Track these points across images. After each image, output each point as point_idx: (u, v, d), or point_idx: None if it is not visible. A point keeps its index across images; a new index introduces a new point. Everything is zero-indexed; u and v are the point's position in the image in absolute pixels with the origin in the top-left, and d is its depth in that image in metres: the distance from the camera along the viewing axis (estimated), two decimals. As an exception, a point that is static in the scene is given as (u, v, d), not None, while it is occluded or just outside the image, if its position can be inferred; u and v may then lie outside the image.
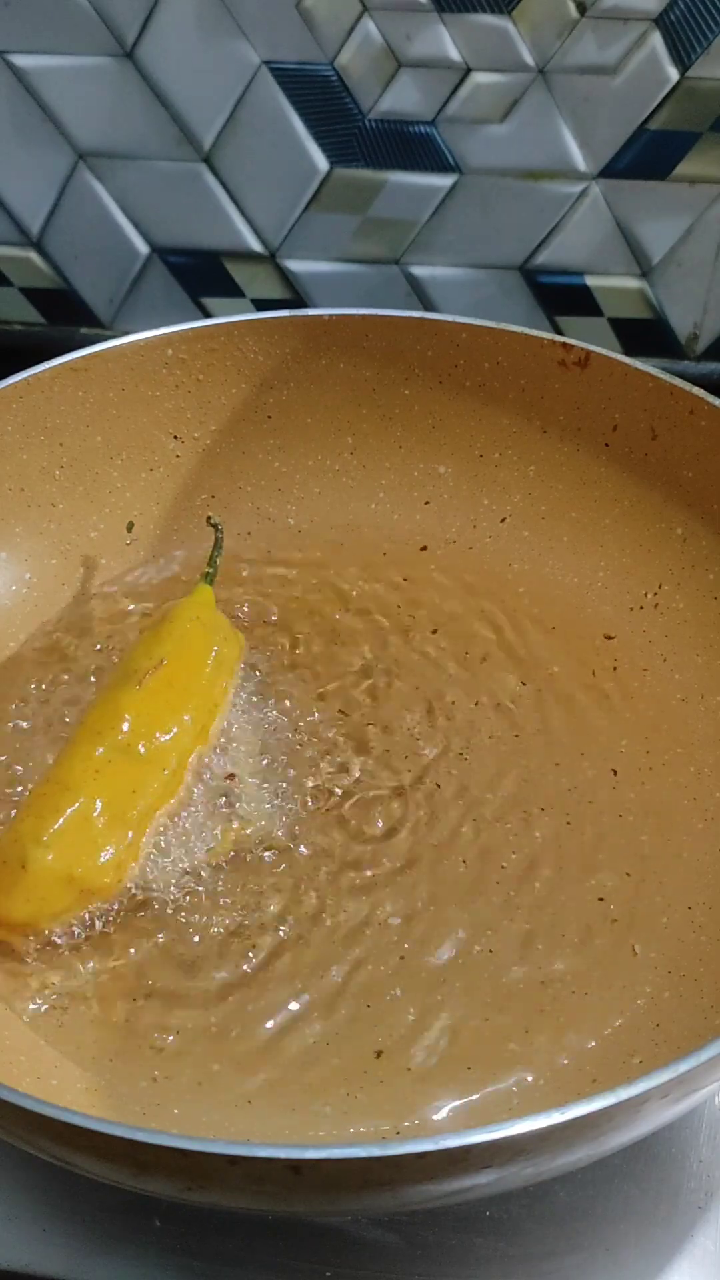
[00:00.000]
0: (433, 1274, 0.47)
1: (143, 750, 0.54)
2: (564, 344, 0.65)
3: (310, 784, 0.57)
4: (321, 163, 0.79)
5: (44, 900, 0.50)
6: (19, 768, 0.58)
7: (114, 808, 0.52)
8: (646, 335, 0.84)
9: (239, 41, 0.74)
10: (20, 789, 0.57)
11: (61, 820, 0.51)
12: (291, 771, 0.58)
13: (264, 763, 0.58)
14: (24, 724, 0.60)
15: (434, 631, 0.65)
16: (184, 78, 0.76)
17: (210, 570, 0.63)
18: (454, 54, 0.73)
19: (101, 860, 0.51)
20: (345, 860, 0.55)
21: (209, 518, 0.64)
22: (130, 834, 0.53)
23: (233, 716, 0.60)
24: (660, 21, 0.71)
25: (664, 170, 0.77)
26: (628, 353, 0.72)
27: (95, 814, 0.52)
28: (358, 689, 0.62)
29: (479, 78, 0.74)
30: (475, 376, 0.68)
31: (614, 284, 0.82)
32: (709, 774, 0.57)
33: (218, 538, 0.64)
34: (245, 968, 0.51)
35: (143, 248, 0.84)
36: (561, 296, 0.83)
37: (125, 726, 0.54)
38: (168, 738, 0.55)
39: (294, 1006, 0.49)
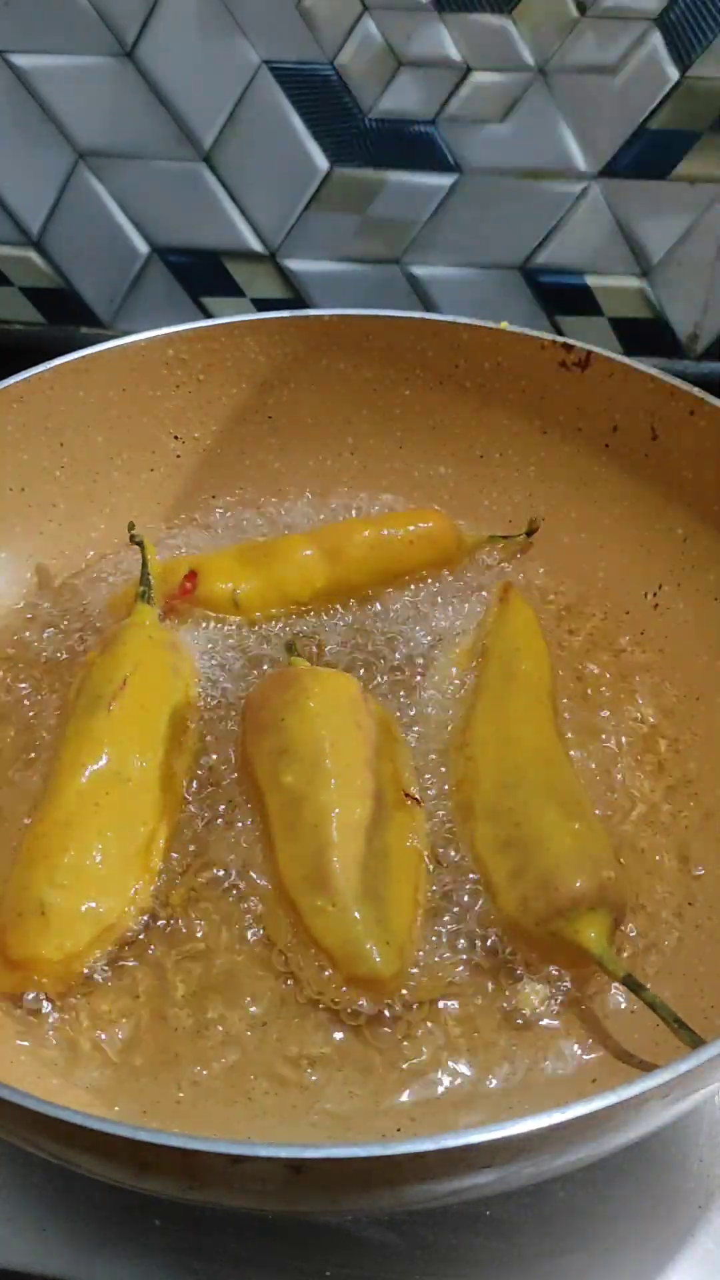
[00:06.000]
0: (433, 1274, 0.47)
1: (129, 774, 0.53)
2: (564, 344, 0.65)
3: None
4: (321, 162, 0.79)
5: (71, 940, 0.49)
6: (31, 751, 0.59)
7: (116, 838, 0.51)
8: (646, 335, 0.84)
9: (239, 41, 0.74)
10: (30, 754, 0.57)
11: (67, 859, 0.50)
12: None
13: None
14: (29, 715, 0.60)
15: (433, 628, 0.65)
16: (184, 78, 0.76)
17: (145, 589, 0.62)
18: (454, 53, 0.73)
19: (115, 890, 0.51)
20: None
21: (130, 529, 0.63)
22: (136, 859, 0.52)
23: (209, 725, 0.59)
24: (660, 21, 0.71)
25: (664, 170, 0.77)
26: (628, 353, 0.72)
27: (99, 847, 0.51)
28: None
29: (479, 77, 0.74)
30: (476, 377, 0.69)
31: (614, 284, 0.82)
32: (709, 773, 0.57)
33: (144, 557, 0.62)
34: (242, 964, 0.51)
35: (143, 248, 0.84)
36: (561, 296, 0.83)
37: (105, 754, 0.53)
38: (150, 759, 0.54)
39: (303, 1012, 0.50)
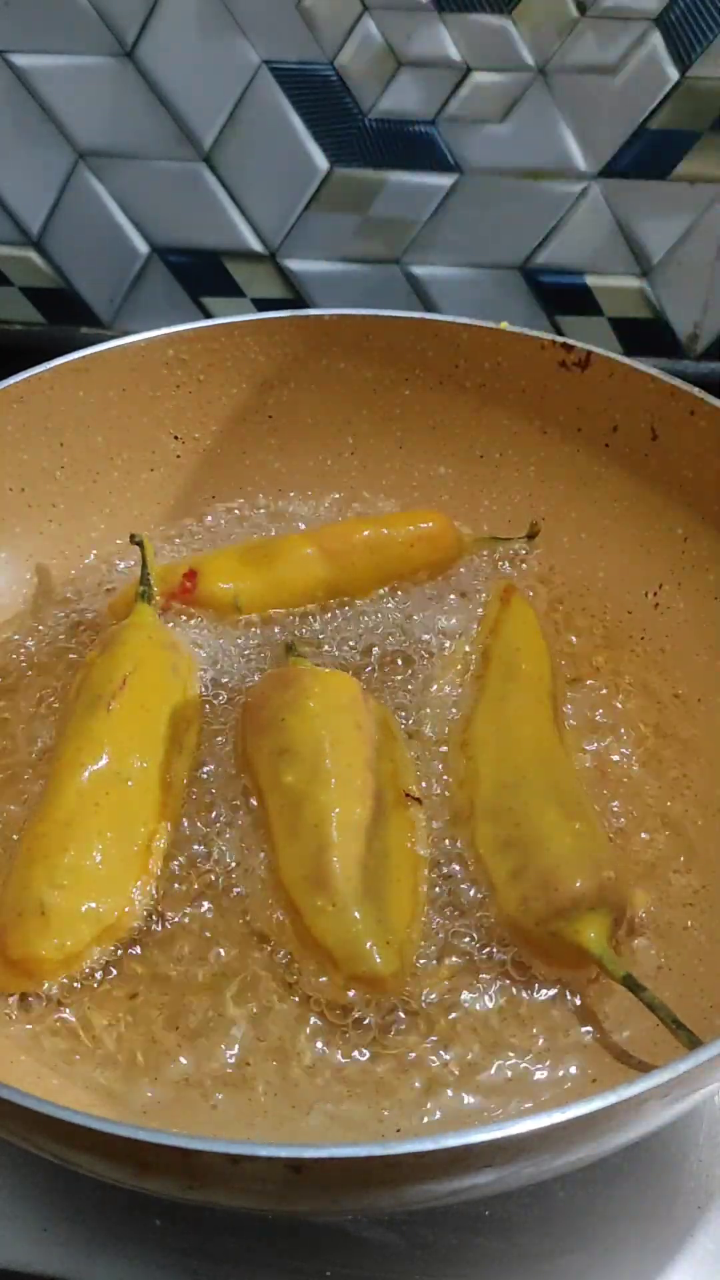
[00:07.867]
0: (433, 1274, 0.47)
1: (129, 774, 0.53)
2: (564, 345, 0.65)
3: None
4: (321, 162, 0.79)
5: (72, 940, 0.49)
6: (31, 750, 0.59)
7: (116, 838, 0.51)
8: (646, 335, 0.84)
9: (239, 41, 0.74)
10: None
11: (67, 858, 0.50)
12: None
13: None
14: (29, 715, 0.60)
15: (433, 629, 0.65)
16: (184, 78, 0.76)
17: (145, 589, 0.62)
18: (454, 53, 0.73)
19: (115, 890, 0.51)
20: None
21: (132, 536, 0.63)
22: (137, 860, 0.52)
23: (208, 725, 0.59)
24: (660, 21, 0.71)
25: (664, 170, 0.77)
26: (628, 352, 0.72)
27: (99, 847, 0.51)
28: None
29: (479, 77, 0.74)
30: (475, 377, 0.69)
31: (614, 284, 0.82)
32: (709, 773, 0.57)
33: (144, 557, 0.62)
34: (242, 964, 0.51)
35: (143, 248, 0.84)
36: (561, 296, 0.83)
37: (105, 754, 0.53)
38: (150, 759, 0.54)
39: (303, 1013, 0.50)
